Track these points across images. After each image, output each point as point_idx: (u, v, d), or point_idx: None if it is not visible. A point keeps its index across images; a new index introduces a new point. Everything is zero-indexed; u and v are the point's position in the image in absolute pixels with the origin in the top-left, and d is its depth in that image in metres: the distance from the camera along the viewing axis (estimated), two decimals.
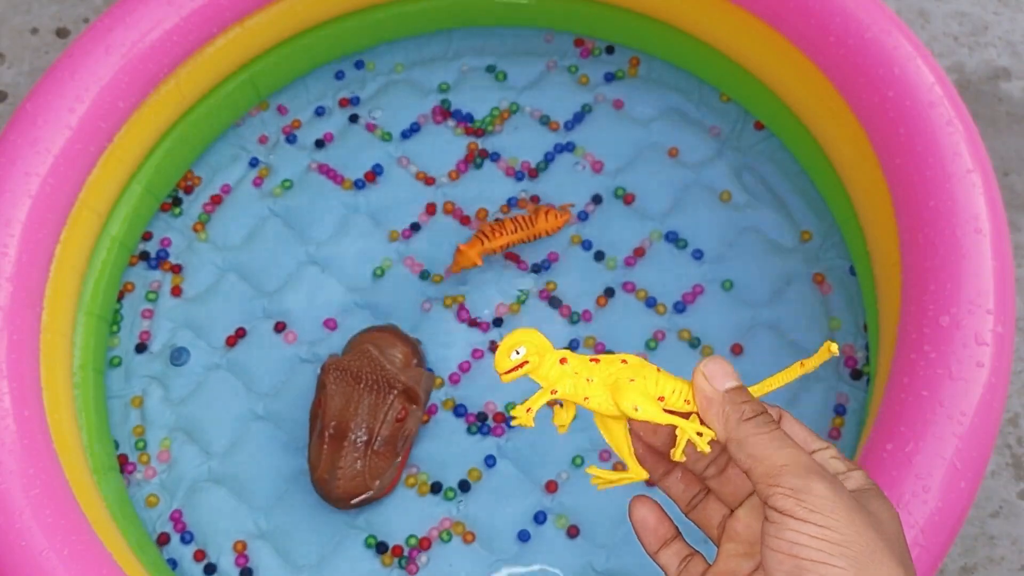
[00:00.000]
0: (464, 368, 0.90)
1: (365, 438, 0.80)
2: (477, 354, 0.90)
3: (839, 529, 0.34)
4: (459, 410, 0.88)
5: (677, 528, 0.43)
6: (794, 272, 0.91)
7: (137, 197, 0.93)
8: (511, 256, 0.93)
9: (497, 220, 0.91)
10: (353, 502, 0.81)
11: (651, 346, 0.89)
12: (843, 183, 0.88)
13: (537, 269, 0.93)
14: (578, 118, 0.99)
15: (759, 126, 0.98)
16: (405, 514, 0.85)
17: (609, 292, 0.91)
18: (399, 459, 0.83)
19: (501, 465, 0.86)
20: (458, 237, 0.95)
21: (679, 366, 0.89)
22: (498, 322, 0.91)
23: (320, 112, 1.02)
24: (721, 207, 0.95)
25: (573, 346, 0.89)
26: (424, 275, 0.94)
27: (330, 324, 0.92)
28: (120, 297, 0.94)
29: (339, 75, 1.03)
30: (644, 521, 0.43)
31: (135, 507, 0.86)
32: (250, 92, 0.99)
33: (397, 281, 0.94)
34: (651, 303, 0.91)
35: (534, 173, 0.97)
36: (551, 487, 0.85)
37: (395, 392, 0.81)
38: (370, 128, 1.00)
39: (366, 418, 0.80)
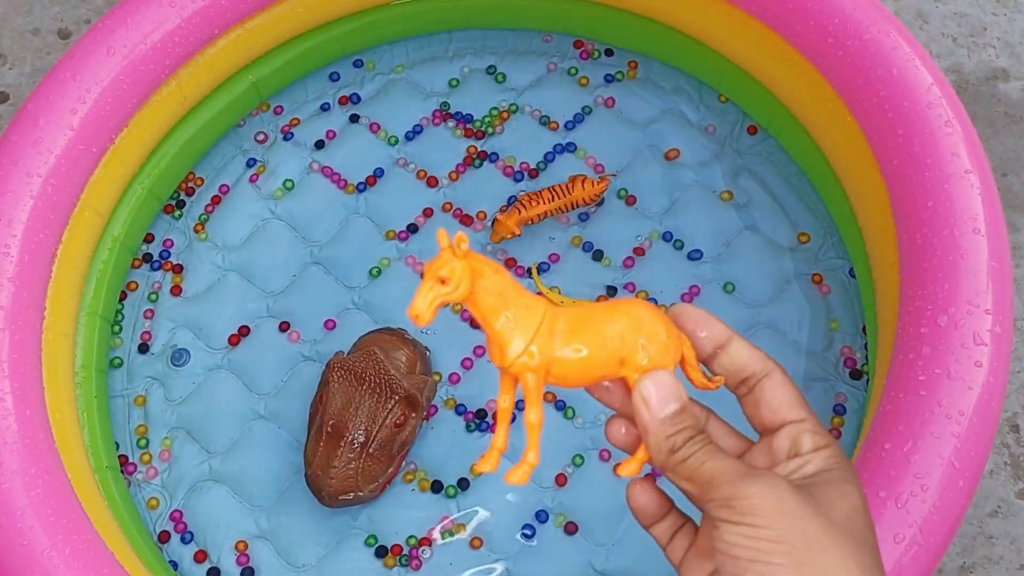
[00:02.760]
0: (465, 368, 0.90)
1: (362, 440, 0.80)
2: (479, 352, 0.90)
3: (771, 525, 0.35)
4: (459, 409, 0.88)
5: (672, 502, 0.43)
6: (793, 273, 0.92)
7: (139, 198, 0.93)
8: (510, 261, 0.93)
9: (534, 191, 0.91)
10: (341, 498, 0.81)
11: None
12: (841, 184, 0.88)
13: (537, 270, 0.93)
14: (578, 119, 1.00)
15: (757, 128, 0.98)
16: (405, 513, 0.85)
17: (610, 291, 0.92)
18: (393, 465, 0.84)
19: (501, 464, 0.86)
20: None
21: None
22: None
23: (321, 112, 1.02)
24: (720, 208, 0.95)
25: None
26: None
27: (329, 324, 0.92)
28: (122, 297, 0.94)
29: (339, 77, 1.03)
30: (643, 508, 0.43)
31: (136, 507, 0.87)
32: (251, 93, 0.99)
33: (398, 281, 0.94)
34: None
35: (534, 173, 0.97)
36: (560, 480, 0.85)
37: (396, 397, 0.81)
38: (372, 129, 1.01)
39: (365, 420, 0.81)
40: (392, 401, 0.81)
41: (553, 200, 0.91)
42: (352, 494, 0.81)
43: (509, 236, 0.91)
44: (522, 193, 0.92)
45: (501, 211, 0.94)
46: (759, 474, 0.36)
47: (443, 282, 0.38)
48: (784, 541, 0.34)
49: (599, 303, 0.41)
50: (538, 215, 0.91)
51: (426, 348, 0.89)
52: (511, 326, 0.39)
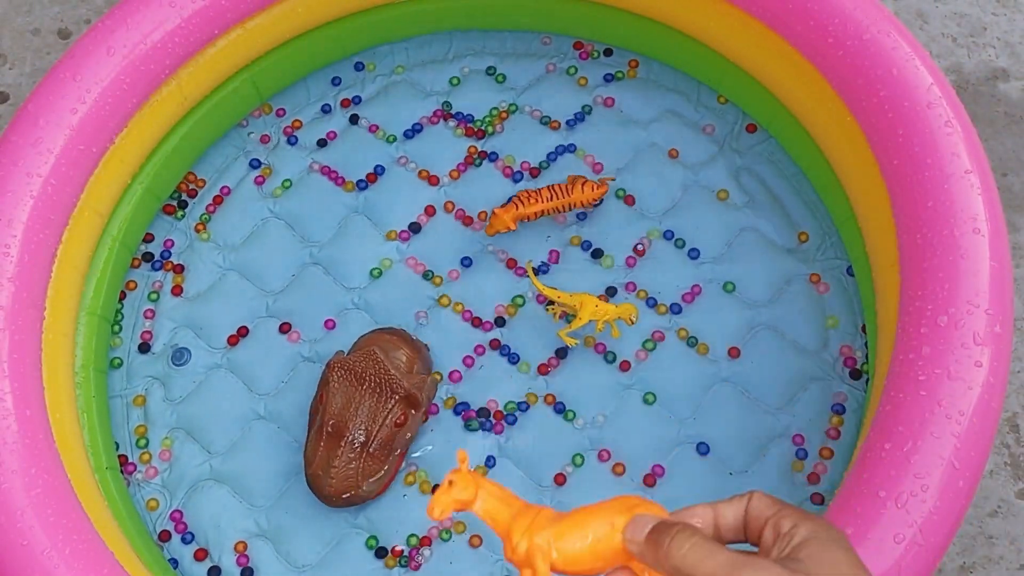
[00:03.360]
0: (465, 367, 0.90)
1: (362, 439, 0.80)
2: (480, 350, 0.90)
3: None
4: (459, 408, 0.88)
5: None
6: (792, 272, 0.92)
7: (139, 198, 0.93)
8: (511, 262, 0.93)
9: (535, 189, 0.92)
10: (342, 497, 0.81)
11: (649, 346, 0.89)
12: (841, 184, 0.88)
13: (537, 271, 0.93)
14: (578, 119, 1.00)
15: (756, 128, 0.98)
16: (405, 513, 0.85)
17: (610, 292, 0.92)
18: (393, 464, 0.84)
19: (501, 464, 0.86)
20: (458, 237, 0.95)
21: (679, 366, 0.89)
22: (500, 322, 0.91)
23: (321, 113, 1.02)
24: (720, 208, 0.95)
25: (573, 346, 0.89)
26: (427, 275, 0.94)
27: (329, 324, 0.92)
28: (122, 297, 0.94)
29: (340, 81, 1.03)
30: None
31: (136, 507, 0.87)
32: (251, 93, 0.99)
33: (398, 281, 0.94)
34: (651, 303, 0.91)
35: (535, 173, 0.97)
36: (559, 480, 0.85)
37: (397, 397, 0.81)
38: (372, 129, 1.01)
39: (365, 420, 0.81)
40: (392, 401, 0.81)
41: (552, 200, 0.91)
42: (352, 493, 0.81)
43: (504, 230, 0.91)
44: (521, 190, 0.92)
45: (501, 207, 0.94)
46: (752, 562, 0.40)
47: (450, 484, 0.47)
48: None
49: (582, 509, 0.47)
50: (535, 213, 0.91)
51: (426, 345, 0.89)
52: (516, 524, 0.46)
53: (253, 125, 1.02)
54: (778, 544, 0.42)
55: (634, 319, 0.85)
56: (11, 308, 0.75)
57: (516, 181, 0.97)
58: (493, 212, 0.91)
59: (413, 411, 0.83)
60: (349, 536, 0.84)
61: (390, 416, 0.81)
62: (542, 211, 0.91)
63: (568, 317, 0.90)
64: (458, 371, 0.90)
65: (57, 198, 0.80)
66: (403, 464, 0.86)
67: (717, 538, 0.45)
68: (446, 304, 0.92)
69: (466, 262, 0.94)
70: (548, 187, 0.91)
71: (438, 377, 0.89)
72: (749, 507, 0.44)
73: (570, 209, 0.92)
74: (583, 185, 0.91)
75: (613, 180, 0.95)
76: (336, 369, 0.82)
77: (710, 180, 0.96)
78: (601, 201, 0.94)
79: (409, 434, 0.84)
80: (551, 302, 0.90)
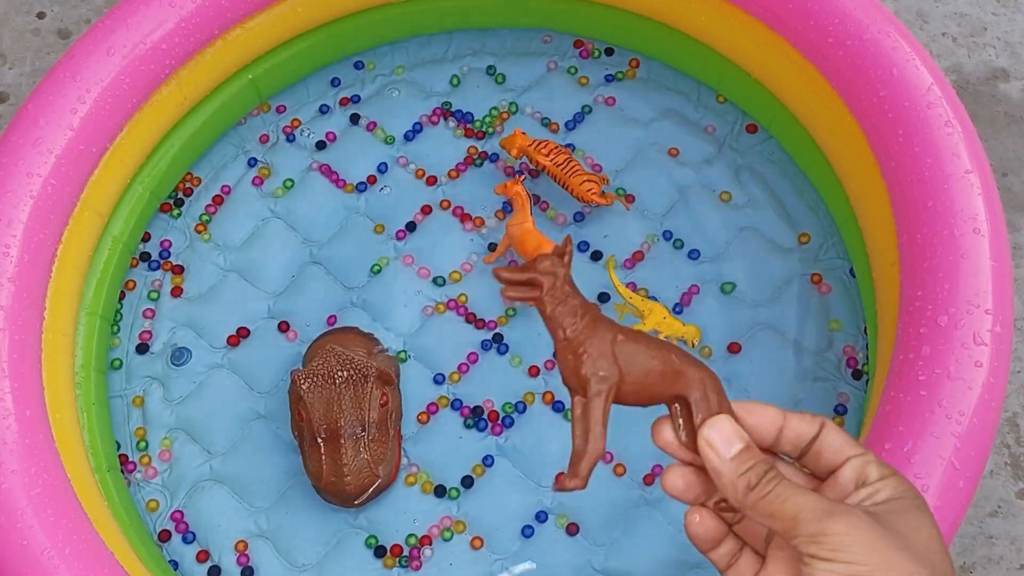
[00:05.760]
0: (464, 367, 0.90)
1: (359, 430, 0.81)
2: (478, 352, 0.90)
3: (862, 561, 0.36)
4: (455, 404, 0.88)
5: (729, 527, 0.43)
6: (793, 272, 0.92)
7: (139, 197, 0.93)
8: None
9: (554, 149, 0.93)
10: (366, 495, 0.81)
11: None
12: (842, 184, 0.88)
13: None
14: (578, 119, 1.00)
15: (756, 127, 0.98)
16: (405, 513, 0.85)
17: (602, 298, 0.92)
18: (394, 444, 0.84)
19: (500, 464, 0.86)
20: (458, 237, 0.95)
21: None
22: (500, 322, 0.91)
23: (321, 113, 1.02)
24: (720, 208, 0.95)
25: None
26: (427, 275, 0.94)
27: (331, 322, 0.92)
28: (121, 297, 0.94)
29: (340, 81, 1.03)
30: (701, 536, 0.43)
31: (136, 507, 0.87)
32: (251, 93, 0.99)
33: (397, 280, 0.94)
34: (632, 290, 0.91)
35: (535, 173, 0.97)
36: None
37: (371, 379, 0.82)
38: (371, 128, 1.01)
39: (352, 410, 0.81)
40: (369, 384, 0.81)
41: (555, 166, 0.92)
42: (374, 483, 0.81)
43: (514, 148, 0.92)
44: (545, 140, 0.93)
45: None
46: (843, 509, 0.37)
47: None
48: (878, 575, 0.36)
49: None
50: (538, 162, 0.92)
51: (372, 334, 0.89)
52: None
53: (252, 124, 1.02)
54: (860, 492, 0.39)
55: (696, 343, 0.85)
56: (11, 308, 0.75)
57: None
58: (516, 131, 0.93)
59: (388, 386, 0.84)
60: (349, 536, 0.84)
61: (372, 398, 0.82)
62: (544, 166, 0.92)
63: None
64: (457, 372, 0.90)
65: (57, 198, 0.80)
66: (403, 463, 0.86)
67: (774, 448, 0.42)
68: (447, 304, 0.92)
69: (466, 262, 0.94)
70: (564, 153, 0.92)
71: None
72: (822, 436, 0.41)
73: (562, 185, 0.92)
74: (582, 183, 0.91)
75: (618, 199, 0.94)
76: (305, 380, 0.82)
77: (710, 180, 0.96)
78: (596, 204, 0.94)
79: (394, 412, 0.84)
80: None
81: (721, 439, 0.40)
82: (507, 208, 0.96)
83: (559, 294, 0.42)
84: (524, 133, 0.94)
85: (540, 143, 0.93)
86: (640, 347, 0.41)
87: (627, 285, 0.92)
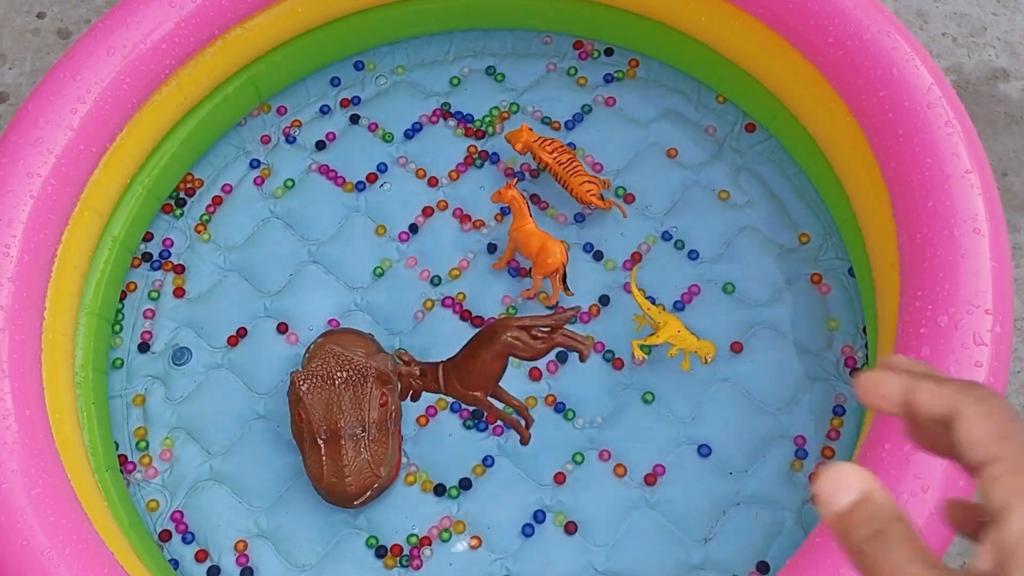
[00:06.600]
0: None
1: (359, 430, 0.81)
2: None
3: None
4: (454, 405, 0.88)
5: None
6: (793, 272, 0.92)
7: (139, 197, 0.93)
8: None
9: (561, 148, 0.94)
10: (366, 496, 0.81)
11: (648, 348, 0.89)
12: (842, 184, 0.88)
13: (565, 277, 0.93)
14: (578, 119, 1.00)
15: (756, 127, 0.98)
16: (405, 513, 0.85)
17: (603, 300, 0.92)
18: (395, 444, 0.84)
19: (500, 464, 0.86)
20: (458, 237, 0.95)
21: (678, 365, 0.89)
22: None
23: (321, 113, 1.02)
24: (720, 207, 0.95)
25: None
26: (427, 275, 0.94)
27: (332, 324, 0.92)
28: (122, 297, 0.94)
29: (340, 81, 1.03)
30: (958, 523, 0.36)
31: (136, 506, 0.87)
32: (251, 93, 0.99)
33: (397, 281, 0.94)
34: (651, 302, 0.91)
35: (535, 173, 0.97)
36: (559, 479, 0.85)
37: (370, 380, 0.81)
38: (371, 128, 1.01)
39: (352, 411, 0.81)
40: (368, 384, 0.81)
41: (558, 164, 0.92)
42: (375, 483, 0.81)
43: (518, 143, 0.93)
44: (551, 138, 0.94)
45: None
46: None
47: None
48: None
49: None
50: (541, 159, 0.93)
51: (371, 334, 0.89)
52: None
53: (252, 124, 1.02)
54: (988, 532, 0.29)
55: (710, 359, 0.85)
56: (11, 308, 0.75)
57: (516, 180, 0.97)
58: (523, 126, 0.94)
59: (388, 386, 0.83)
60: (349, 536, 0.84)
61: (372, 399, 0.81)
62: (546, 164, 0.93)
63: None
64: None
65: (57, 198, 0.80)
66: (403, 463, 0.86)
67: (903, 415, 0.33)
68: (446, 304, 0.92)
69: (466, 262, 0.94)
70: (568, 153, 0.93)
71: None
72: (958, 429, 0.31)
73: (561, 183, 0.93)
74: (582, 183, 0.91)
75: (612, 207, 0.94)
76: (304, 381, 0.82)
77: (710, 180, 0.96)
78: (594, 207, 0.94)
79: (394, 412, 0.84)
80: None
81: (832, 490, 0.32)
82: (505, 211, 0.96)
83: (416, 383, 0.77)
84: (531, 129, 0.94)
85: (545, 140, 0.93)
86: (470, 361, 0.75)
87: (625, 285, 0.92)
